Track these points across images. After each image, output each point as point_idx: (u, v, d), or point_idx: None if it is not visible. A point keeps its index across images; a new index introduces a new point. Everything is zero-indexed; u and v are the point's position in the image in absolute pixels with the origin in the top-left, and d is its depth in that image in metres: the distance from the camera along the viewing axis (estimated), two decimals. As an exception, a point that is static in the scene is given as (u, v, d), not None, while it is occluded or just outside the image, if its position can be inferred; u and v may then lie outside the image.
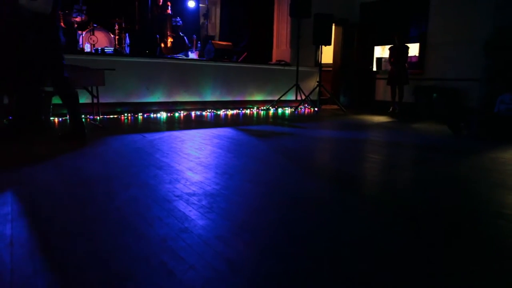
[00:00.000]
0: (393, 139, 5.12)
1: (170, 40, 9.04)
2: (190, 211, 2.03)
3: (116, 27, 8.53)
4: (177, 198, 2.22)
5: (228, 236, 1.75)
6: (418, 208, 2.26)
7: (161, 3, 9.20)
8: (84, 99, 5.47)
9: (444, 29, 8.14)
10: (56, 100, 5.33)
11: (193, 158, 3.28)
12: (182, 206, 2.10)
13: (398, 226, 1.97)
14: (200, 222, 1.88)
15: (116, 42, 8.41)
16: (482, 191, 2.70)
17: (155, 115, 6.55)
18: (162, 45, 8.79)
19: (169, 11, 9.31)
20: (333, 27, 9.30)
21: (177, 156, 3.34)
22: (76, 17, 7.85)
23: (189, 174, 2.76)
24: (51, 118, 5.47)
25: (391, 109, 8.10)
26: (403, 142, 4.87)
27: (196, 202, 2.16)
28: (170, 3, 9.33)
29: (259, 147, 4.01)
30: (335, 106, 8.86)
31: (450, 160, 3.75)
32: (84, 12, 7.90)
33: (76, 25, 7.84)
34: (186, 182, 2.55)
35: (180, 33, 9.46)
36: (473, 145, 4.66)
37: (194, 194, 2.30)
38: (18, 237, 1.67)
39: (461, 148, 4.44)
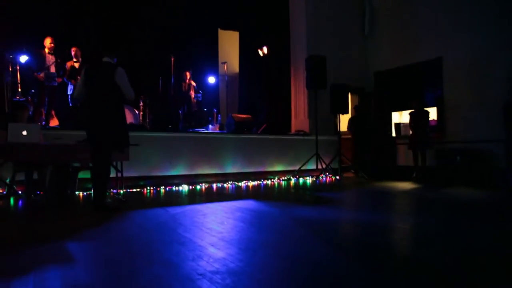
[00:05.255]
0: (422, 207, 4.97)
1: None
2: (213, 291, 1.96)
3: (141, 103, 8.97)
4: (200, 277, 2.17)
5: (254, 319, 1.66)
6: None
7: (188, 80, 9.70)
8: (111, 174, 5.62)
9: (460, 91, 8.23)
10: (82, 174, 5.50)
11: (216, 232, 3.24)
12: (205, 285, 2.04)
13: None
14: (225, 304, 1.81)
15: (141, 118, 8.80)
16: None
17: (177, 188, 6.61)
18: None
19: (193, 86, 9.80)
20: (349, 95, 9.54)
21: (200, 231, 3.31)
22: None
23: (212, 250, 2.71)
24: (76, 192, 5.60)
25: (414, 175, 7.97)
26: (431, 210, 4.71)
27: (219, 281, 2.10)
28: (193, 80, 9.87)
29: (281, 220, 3.95)
30: (357, 174, 8.78)
31: (489, 229, 3.57)
32: None
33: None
34: (209, 259, 2.50)
35: (202, 107, 9.88)
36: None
37: (217, 272, 2.24)
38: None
39: (501, 215, 4.25)
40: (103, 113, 4.34)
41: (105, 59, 4.50)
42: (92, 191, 5.54)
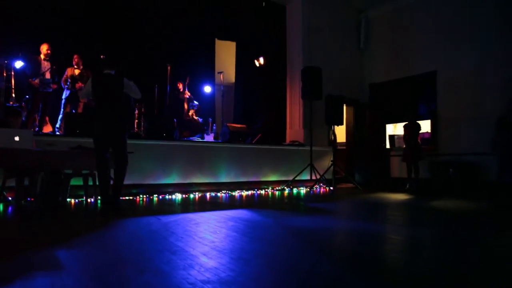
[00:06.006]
0: (414, 218, 4.97)
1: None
2: (204, 300, 1.93)
3: (136, 111, 8.95)
4: (191, 286, 2.13)
5: (245, 329, 1.64)
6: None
7: (181, 89, 9.74)
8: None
9: (454, 105, 8.31)
10: (74, 181, 5.45)
11: (208, 242, 3.21)
12: (196, 295, 2.01)
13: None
14: (215, 314, 1.78)
15: (135, 126, 8.76)
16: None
17: (170, 196, 6.57)
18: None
19: (187, 95, 9.82)
20: (344, 107, 9.58)
21: (192, 240, 3.27)
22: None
23: (203, 259, 2.68)
24: (68, 199, 5.54)
25: (408, 186, 7.99)
26: (424, 221, 4.71)
27: (210, 291, 2.07)
28: (187, 87, 9.89)
29: (274, 230, 3.93)
30: (351, 185, 8.79)
31: (481, 239, 3.57)
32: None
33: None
34: (200, 268, 2.47)
35: (196, 116, 9.87)
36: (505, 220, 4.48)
37: (208, 282, 2.21)
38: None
39: (493, 226, 4.26)
40: (116, 122, 4.71)
41: (106, 71, 4.80)
42: (84, 197, 5.50)
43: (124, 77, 4.84)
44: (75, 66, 7.73)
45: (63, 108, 7.61)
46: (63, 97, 7.66)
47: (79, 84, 7.62)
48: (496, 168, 6.81)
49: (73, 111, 7.60)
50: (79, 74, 7.69)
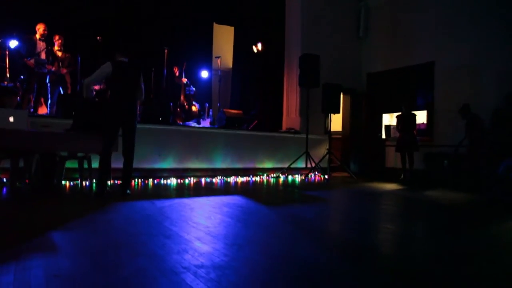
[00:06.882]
0: (407, 208, 5.02)
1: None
2: (197, 284, 1.95)
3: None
4: (184, 270, 2.16)
5: (237, 314, 1.66)
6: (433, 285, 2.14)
7: (177, 74, 9.67)
8: (97, 164, 5.55)
9: (450, 96, 8.32)
10: (69, 164, 5.43)
11: (202, 227, 3.23)
12: (189, 278, 2.03)
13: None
14: (208, 298, 1.80)
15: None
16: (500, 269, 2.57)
17: (165, 181, 6.57)
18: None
19: (184, 80, 9.76)
20: (341, 96, 9.56)
21: (186, 225, 3.29)
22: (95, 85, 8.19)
23: (197, 244, 2.70)
24: (63, 182, 5.53)
25: (402, 176, 8.04)
26: (417, 211, 4.76)
27: (204, 275, 2.09)
28: (184, 73, 9.82)
29: (269, 216, 3.95)
30: (346, 174, 8.83)
31: (469, 230, 3.62)
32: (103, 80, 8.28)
33: (94, 93, 8.16)
34: (194, 253, 2.49)
35: (193, 101, 9.83)
36: (494, 213, 4.54)
37: (202, 266, 2.23)
38: (20, 311, 1.61)
39: (480, 217, 4.31)
40: (132, 107, 4.88)
41: (120, 58, 4.90)
42: (79, 180, 5.49)
43: (141, 69, 5.04)
44: (57, 47, 7.48)
45: (50, 94, 7.39)
46: (47, 81, 7.34)
47: (63, 70, 7.43)
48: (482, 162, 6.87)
49: (61, 92, 7.45)
50: (64, 57, 7.48)
